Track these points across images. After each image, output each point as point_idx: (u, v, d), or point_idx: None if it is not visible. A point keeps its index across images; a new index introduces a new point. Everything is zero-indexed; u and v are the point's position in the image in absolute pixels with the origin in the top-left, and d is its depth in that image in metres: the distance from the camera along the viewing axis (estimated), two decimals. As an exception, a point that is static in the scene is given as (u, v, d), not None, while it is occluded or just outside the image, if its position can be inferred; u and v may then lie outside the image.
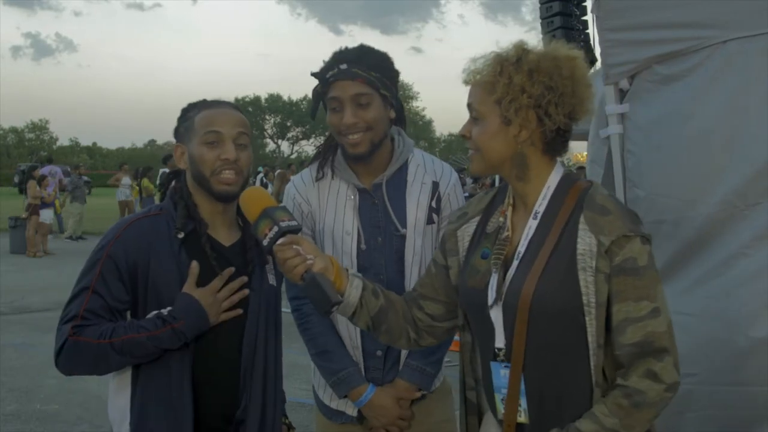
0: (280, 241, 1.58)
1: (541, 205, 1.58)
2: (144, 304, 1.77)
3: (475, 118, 1.59)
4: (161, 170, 14.70)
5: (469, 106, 1.61)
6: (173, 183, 1.93)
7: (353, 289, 1.68)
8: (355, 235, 2.10)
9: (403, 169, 2.13)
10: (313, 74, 2.08)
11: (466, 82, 1.62)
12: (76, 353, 1.72)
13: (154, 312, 1.75)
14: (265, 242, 1.59)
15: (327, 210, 2.14)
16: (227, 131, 1.81)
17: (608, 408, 1.46)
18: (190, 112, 1.88)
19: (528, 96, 1.52)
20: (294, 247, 1.59)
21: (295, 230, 1.61)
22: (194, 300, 1.74)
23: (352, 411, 2.14)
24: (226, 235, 1.88)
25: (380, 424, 2.09)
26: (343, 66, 2.00)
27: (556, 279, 1.50)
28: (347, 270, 1.71)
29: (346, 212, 2.12)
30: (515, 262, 1.57)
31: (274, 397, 1.91)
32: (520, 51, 1.56)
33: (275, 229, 1.58)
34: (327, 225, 2.13)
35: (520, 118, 1.53)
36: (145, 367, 1.77)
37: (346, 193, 2.14)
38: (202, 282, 1.78)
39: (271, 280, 1.92)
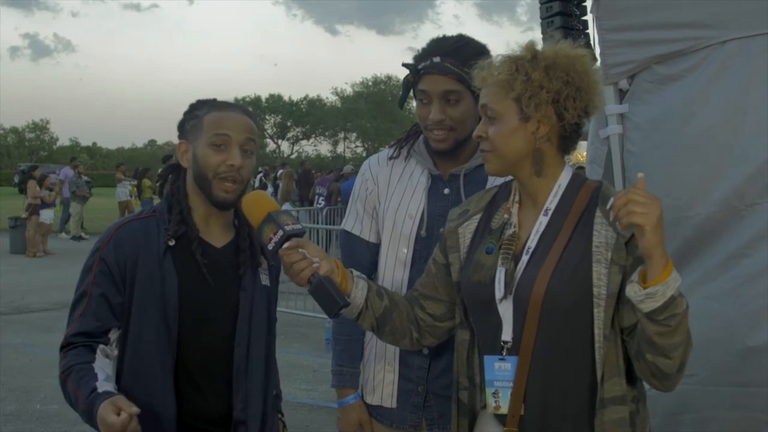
0: (285, 245, 1.58)
1: (552, 202, 1.60)
2: (130, 305, 1.77)
3: (491, 118, 1.60)
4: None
5: (484, 106, 1.61)
6: (170, 180, 1.91)
7: (359, 290, 1.70)
8: (417, 220, 2.06)
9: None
10: (405, 65, 2.05)
11: (478, 86, 1.63)
12: (58, 365, 1.75)
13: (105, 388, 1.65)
14: (270, 246, 1.59)
15: (395, 191, 2.12)
16: (235, 136, 1.79)
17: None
18: (198, 109, 1.86)
19: (546, 91, 1.54)
20: (300, 250, 1.60)
21: (300, 233, 1.61)
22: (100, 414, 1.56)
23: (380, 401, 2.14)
24: (219, 237, 1.87)
25: (340, 428, 2.20)
26: (437, 59, 1.96)
27: (569, 273, 1.51)
28: (352, 272, 1.72)
29: (414, 196, 2.08)
30: (525, 257, 1.59)
31: (272, 396, 1.91)
32: (533, 49, 1.58)
33: (280, 233, 1.58)
34: (391, 206, 2.10)
35: (540, 114, 1.55)
36: (127, 367, 1.77)
37: (418, 177, 2.10)
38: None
39: (264, 280, 1.91)
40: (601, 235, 1.52)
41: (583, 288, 1.50)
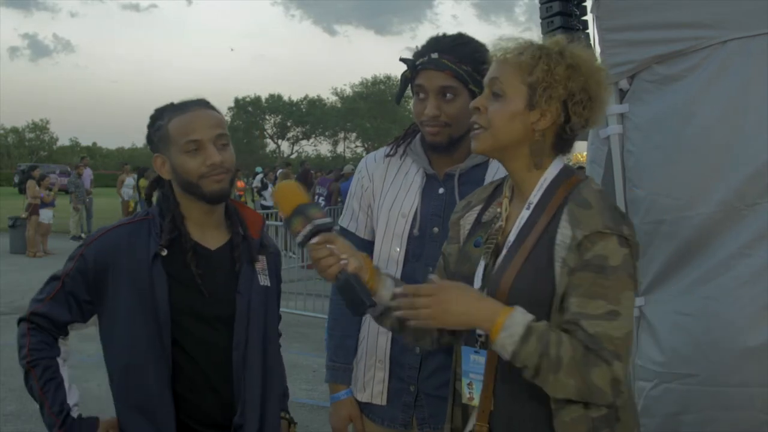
0: (314, 240, 1.57)
1: (535, 196, 1.58)
2: (113, 307, 1.77)
3: (496, 94, 1.57)
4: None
5: (494, 80, 1.57)
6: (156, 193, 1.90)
7: (386, 291, 1.67)
8: (410, 219, 2.06)
9: (482, 167, 2.07)
10: (403, 60, 2.05)
11: (493, 57, 1.60)
12: (19, 338, 1.81)
13: (75, 403, 1.78)
14: (298, 239, 1.57)
15: (390, 189, 2.11)
16: (206, 136, 1.75)
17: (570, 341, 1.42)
18: (159, 119, 1.82)
19: (563, 88, 1.52)
20: (328, 246, 1.57)
21: (329, 227, 1.59)
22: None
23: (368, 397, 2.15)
24: (214, 238, 1.85)
25: (332, 423, 2.21)
26: (434, 55, 1.96)
27: (534, 270, 1.50)
28: (378, 269, 1.69)
29: (408, 194, 2.08)
30: (504, 252, 1.58)
31: (273, 398, 1.90)
32: (561, 45, 1.56)
33: (309, 227, 1.56)
34: (385, 203, 2.11)
35: (547, 108, 1.53)
36: (123, 375, 1.78)
37: (413, 176, 2.10)
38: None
39: (263, 281, 1.88)
40: (563, 234, 1.49)
41: (546, 286, 1.48)
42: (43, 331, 1.80)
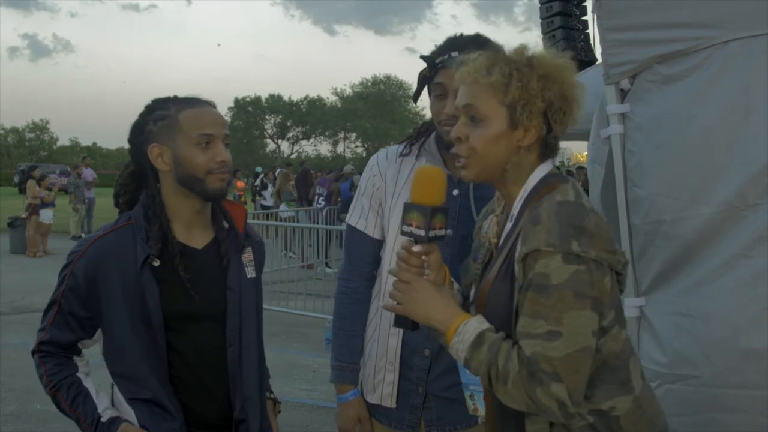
0: (416, 248, 1.53)
1: (516, 208, 1.54)
2: (109, 318, 1.76)
3: (475, 120, 1.53)
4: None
5: (468, 106, 1.52)
6: (131, 190, 1.87)
7: None
8: None
9: None
10: (423, 57, 2.03)
11: (461, 82, 1.56)
12: (37, 369, 1.82)
13: (106, 407, 1.78)
14: (403, 229, 1.53)
15: (403, 189, 2.08)
16: (218, 132, 1.76)
17: (516, 354, 1.39)
18: (163, 109, 1.79)
19: (542, 100, 1.48)
20: (423, 257, 1.54)
21: (438, 239, 1.54)
22: None
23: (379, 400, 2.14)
24: (200, 237, 1.84)
25: (339, 424, 2.17)
26: (455, 54, 1.94)
27: (501, 286, 1.48)
28: (453, 282, 1.65)
29: None
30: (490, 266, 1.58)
31: (265, 387, 1.91)
32: (527, 55, 1.52)
33: (422, 232, 1.50)
34: (398, 204, 2.07)
35: (529, 123, 1.49)
36: (121, 385, 1.78)
37: None
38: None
39: (250, 273, 1.89)
40: (518, 249, 1.45)
41: (509, 304, 1.46)
42: (54, 355, 1.80)
